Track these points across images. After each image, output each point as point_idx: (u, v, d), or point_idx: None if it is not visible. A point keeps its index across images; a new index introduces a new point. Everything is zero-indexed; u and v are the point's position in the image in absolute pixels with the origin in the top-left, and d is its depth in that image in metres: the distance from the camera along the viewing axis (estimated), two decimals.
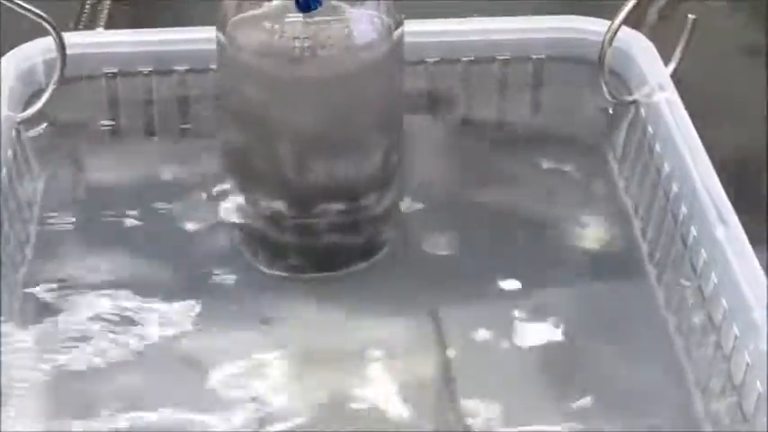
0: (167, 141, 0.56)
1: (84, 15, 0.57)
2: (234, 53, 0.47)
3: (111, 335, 0.48)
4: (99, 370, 0.47)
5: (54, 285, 0.50)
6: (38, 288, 0.50)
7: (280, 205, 0.50)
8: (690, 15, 0.52)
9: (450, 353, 0.48)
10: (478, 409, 0.46)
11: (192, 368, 0.47)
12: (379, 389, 0.46)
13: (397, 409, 0.45)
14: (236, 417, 0.45)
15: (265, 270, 0.51)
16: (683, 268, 0.48)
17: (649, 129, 0.51)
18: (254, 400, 0.46)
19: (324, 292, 0.50)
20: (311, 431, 0.44)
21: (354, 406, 0.45)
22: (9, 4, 0.48)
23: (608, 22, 0.52)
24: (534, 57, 0.55)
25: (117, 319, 0.49)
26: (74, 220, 0.54)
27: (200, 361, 0.47)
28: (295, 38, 0.46)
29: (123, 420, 0.45)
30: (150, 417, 0.45)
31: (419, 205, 0.54)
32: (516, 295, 0.50)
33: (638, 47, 0.53)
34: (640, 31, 0.55)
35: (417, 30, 0.51)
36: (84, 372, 0.47)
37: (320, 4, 0.45)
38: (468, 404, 0.46)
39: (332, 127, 0.48)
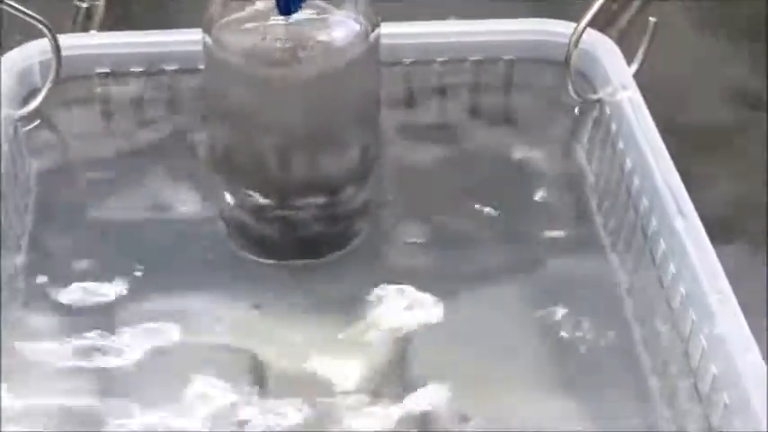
0: (157, 137, 0.55)
1: (79, 17, 0.57)
2: (219, 54, 0.47)
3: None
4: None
5: (49, 272, 0.50)
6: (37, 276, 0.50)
7: (264, 199, 0.50)
8: (651, 18, 0.52)
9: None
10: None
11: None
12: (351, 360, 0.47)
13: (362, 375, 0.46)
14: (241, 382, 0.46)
15: (253, 260, 0.51)
16: (643, 258, 0.49)
17: (613, 126, 0.52)
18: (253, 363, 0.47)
19: (303, 281, 0.50)
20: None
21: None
22: (8, 8, 0.47)
23: (574, 25, 0.52)
24: (505, 57, 0.55)
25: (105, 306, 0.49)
26: (66, 209, 0.54)
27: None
28: (277, 39, 0.47)
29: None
30: None
31: (391, 197, 0.54)
32: (482, 275, 0.51)
33: (602, 48, 0.54)
34: (609, 33, 0.54)
35: (393, 32, 0.51)
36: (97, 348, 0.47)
37: (300, 8, 0.45)
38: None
39: (312, 125, 0.49)
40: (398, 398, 0.45)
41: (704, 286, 0.43)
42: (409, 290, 0.50)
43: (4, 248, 0.50)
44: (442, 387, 0.46)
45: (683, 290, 0.45)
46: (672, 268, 0.46)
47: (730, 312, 0.42)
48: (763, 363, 0.40)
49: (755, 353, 0.40)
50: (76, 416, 0.45)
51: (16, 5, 0.49)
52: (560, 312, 0.48)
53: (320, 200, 0.50)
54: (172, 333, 0.48)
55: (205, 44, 0.48)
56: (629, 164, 0.51)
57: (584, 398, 0.45)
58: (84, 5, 0.57)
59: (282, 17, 0.46)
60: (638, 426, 0.44)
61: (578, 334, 0.47)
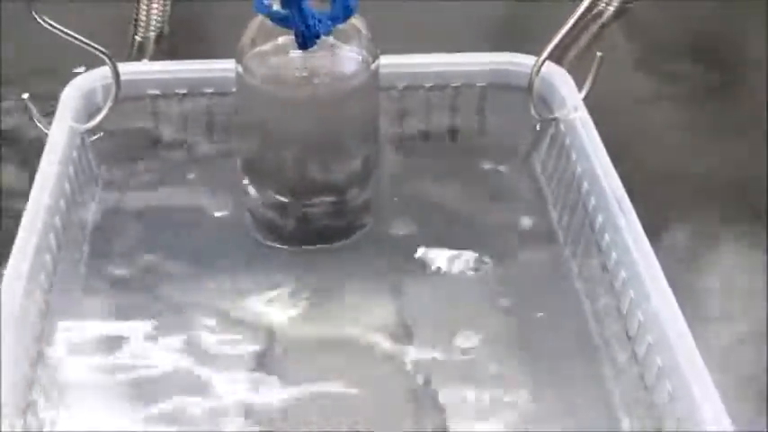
0: (197, 148, 0.56)
1: (134, 50, 0.57)
2: (249, 80, 0.48)
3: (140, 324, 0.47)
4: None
5: (112, 259, 0.51)
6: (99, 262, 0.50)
7: (284, 198, 0.50)
8: (598, 53, 0.52)
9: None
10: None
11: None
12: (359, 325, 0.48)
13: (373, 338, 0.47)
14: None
15: (275, 247, 0.51)
16: (591, 249, 0.49)
17: (567, 140, 0.52)
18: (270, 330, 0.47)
19: (318, 261, 0.51)
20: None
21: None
22: (78, 42, 0.47)
23: (535, 58, 0.52)
24: (479, 84, 0.55)
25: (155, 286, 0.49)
26: (125, 207, 0.54)
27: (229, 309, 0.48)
28: (296, 69, 0.47)
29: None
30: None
31: (387, 195, 0.54)
32: (458, 260, 0.51)
33: (558, 77, 0.53)
34: (563, 65, 0.54)
35: (389, 63, 0.51)
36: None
37: (315, 44, 0.45)
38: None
39: (324, 138, 0.49)
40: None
41: (641, 271, 0.43)
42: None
43: (72, 238, 0.50)
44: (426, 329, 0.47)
45: (623, 273, 0.45)
46: (614, 256, 0.46)
47: (662, 292, 0.42)
48: (688, 333, 0.40)
49: (683, 324, 0.40)
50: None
51: (86, 40, 0.48)
52: (525, 289, 0.49)
53: (330, 198, 0.50)
54: (211, 303, 0.49)
55: (237, 72, 0.48)
56: (579, 170, 0.50)
57: (542, 358, 0.46)
58: (139, 39, 0.56)
59: (300, 51, 0.46)
60: (588, 381, 0.45)
61: (540, 313, 0.48)
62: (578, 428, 0.43)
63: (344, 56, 0.48)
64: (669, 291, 0.42)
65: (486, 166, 0.56)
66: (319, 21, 0.44)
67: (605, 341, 0.47)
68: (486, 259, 0.51)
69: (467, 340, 0.47)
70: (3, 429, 0.37)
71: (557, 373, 0.45)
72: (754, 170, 0.58)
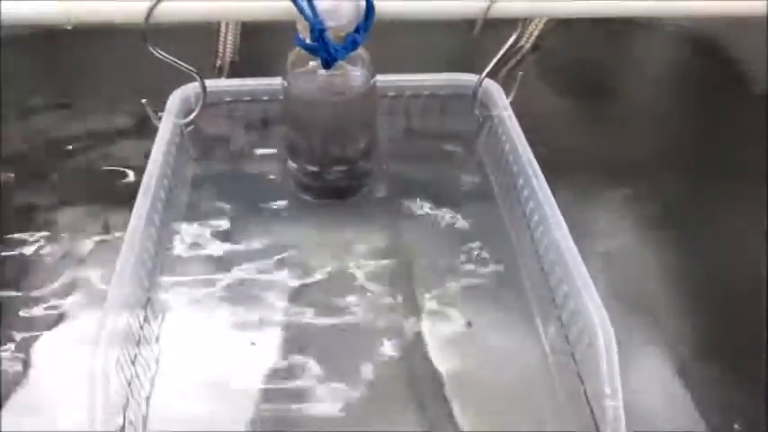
0: (256, 136, 0.55)
1: (215, 71, 0.57)
2: (291, 91, 0.47)
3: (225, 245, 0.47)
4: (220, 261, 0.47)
5: (202, 208, 0.50)
6: (195, 226, 0.49)
7: (312, 167, 0.50)
8: (520, 72, 0.52)
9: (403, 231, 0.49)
10: None
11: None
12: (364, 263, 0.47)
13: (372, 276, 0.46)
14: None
15: (308, 199, 0.51)
16: (514, 201, 0.48)
17: (499, 129, 0.51)
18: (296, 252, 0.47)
19: (331, 213, 0.50)
20: None
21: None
22: (179, 66, 0.46)
23: (478, 76, 0.51)
24: (441, 93, 0.54)
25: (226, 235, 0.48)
26: (209, 173, 0.53)
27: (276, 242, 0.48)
28: (321, 83, 0.46)
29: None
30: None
31: (381, 167, 0.54)
32: (425, 219, 0.50)
33: (493, 88, 0.52)
34: (496, 79, 0.53)
35: (383, 79, 0.50)
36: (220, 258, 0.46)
37: (333, 66, 0.44)
38: None
39: (339, 128, 0.49)
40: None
41: (547, 215, 0.42)
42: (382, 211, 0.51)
43: (174, 213, 0.49)
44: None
45: (536, 217, 0.44)
46: (531, 205, 0.45)
47: (560, 226, 0.41)
48: (577, 253, 0.39)
49: (573, 247, 0.39)
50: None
51: (185, 65, 0.47)
52: (475, 247, 0.48)
53: (343, 168, 0.50)
54: (268, 230, 0.49)
55: (283, 85, 0.47)
56: (507, 148, 0.49)
57: (485, 279, 0.45)
58: (218, 64, 0.56)
59: (324, 71, 0.45)
60: (522, 327, 0.43)
61: (480, 248, 0.47)
62: (507, 322, 0.43)
63: (353, 74, 0.47)
64: (566, 227, 0.42)
65: (447, 147, 0.55)
66: (336, 50, 0.44)
67: (521, 251, 0.46)
68: (445, 207, 0.50)
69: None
70: (106, 323, 0.35)
71: (493, 289, 0.45)
72: (625, 149, 0.57)
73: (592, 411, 0.35)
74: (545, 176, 0.45)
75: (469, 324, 0.43)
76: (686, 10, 0.51)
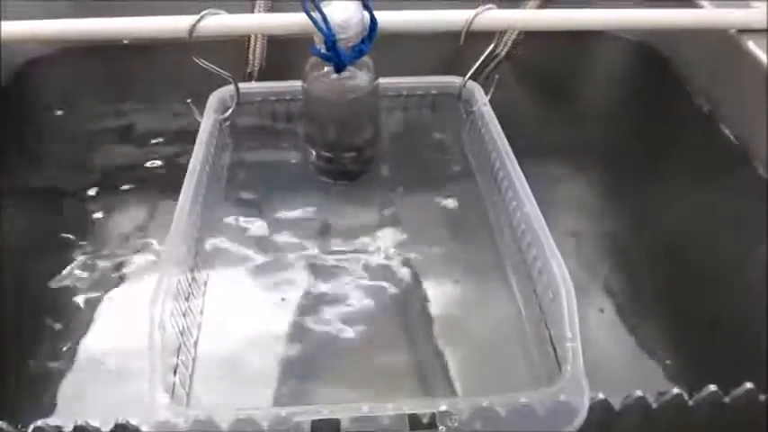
0: (281, 129, 0.53)
1: (246, 75, 0.55)
2: (309, 92, 0.47)
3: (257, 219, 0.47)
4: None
5: (237, 188, 0.50)
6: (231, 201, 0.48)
7: (327, 154, 0.49)
8: (496, 75, 0.51)
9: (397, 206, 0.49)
10: None
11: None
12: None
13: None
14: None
15: (324, 180, 0.50)
16: (492, 182, 0.47)
17: (479, 123, 0.50)
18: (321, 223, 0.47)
19: (344, 193, 0.50)
20: None
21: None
22: (216, 71, 0.46)
23: (463, 78, 0.51)
24: (433, 92, 0.53)
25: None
26: (243, 160, 0.52)
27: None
28: (334, 85, 0.46)
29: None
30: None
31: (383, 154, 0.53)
32: (418, 191, 0.50)
33: (475, 88, 0.51)
34: (478, 81, 0.52)
35: (384, 81, 0.49)
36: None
37: (343, 70, 0.44)
38: None
39: (349, 122, 0.48)
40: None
41: (519, 191, 0.41)
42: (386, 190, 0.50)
43: (215, 191, 0.48)
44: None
45: (510, 193, 0.43)
46: (505, 183, 0.44)
47: (529, 199, 0.40)
48: (543, 221, 0.38)
49: (540, 217, 0.38)
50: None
51: (222, 71, 0.47)
52: (460, 218, 0.47)
53: (352, 154, 0.50)
54: (292, 205, 0.48)
55: (303, 87, 0.47)
56: (486, 138, 0.48)
57: (468, 244, 0.45)
58: (249, 70, 0.55)
59: (336, 74, 0.45)
60: (499, 284, 0.42)
61: (468, 236, 0.47)
62: (486, 280, 0.43)
63: (360, 77, 0.46)
64: (534, 200, 0.41)
65: (437, 136, 0.54)
66: (346, 58, 0.44)
67: (498, 222, 0.46)
68: (435, 186, 0.50)
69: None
70: (162, 280, 0.35)
71: (476, 253, 0.45)
72: (582, 138, 0.56)
73: (555, 352, 0.35)
74: (517, 160, 0.44)
75: (456, 281, 0.43)
76: (637, 23, 0.51)
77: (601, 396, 0.30)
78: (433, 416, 0.29)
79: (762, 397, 0.30)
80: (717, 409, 0.30)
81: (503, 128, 0.47)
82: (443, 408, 0.29)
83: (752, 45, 0.49)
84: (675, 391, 0.30)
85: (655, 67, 0.60)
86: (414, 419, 0.29)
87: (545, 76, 0.62)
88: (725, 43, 0.51)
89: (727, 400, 0.30)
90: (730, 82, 0.52)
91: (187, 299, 0.39)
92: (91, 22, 0.46)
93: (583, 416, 0.29)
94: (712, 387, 0.30)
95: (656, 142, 0.53)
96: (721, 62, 0.52)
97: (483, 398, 0.30)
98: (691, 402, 0.30)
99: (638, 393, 0.30)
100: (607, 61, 0.62)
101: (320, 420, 0.28)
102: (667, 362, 0.40)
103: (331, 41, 0.42)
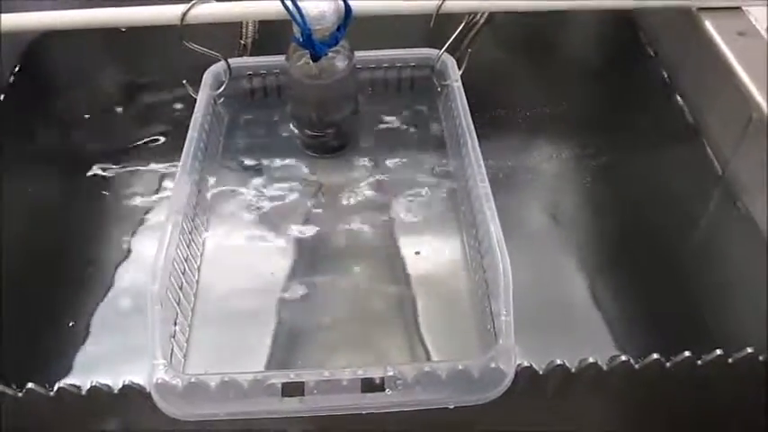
0: (270, 102, 0.54)
1: (239, 50, 0.56)
2: (291, 72, 0.47)
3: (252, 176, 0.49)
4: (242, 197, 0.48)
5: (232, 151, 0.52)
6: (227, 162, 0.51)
7: (309, 131, 0.51)
8: (469, 49, 0.52)
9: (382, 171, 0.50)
10: None
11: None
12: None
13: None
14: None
15: (308, 153, 0.52)
16: (458, 147, 0.47)
17: (451, 96, 0.50)
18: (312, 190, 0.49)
19: (329, 161, 0.51)
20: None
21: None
22: (203, 52, 0.46)
23: (438, 51, 0.51)
24: (411, 65, 0.53)
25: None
26: (236, 129, 0.53)
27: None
28: (312, 68, 0.47)
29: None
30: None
31: (361, 127, 0.54)
32: (397, 160, 0.51)
33: (449, 61, 0.51)
34: (453, 55, 0.52)
35: (365, 54, 0.51)
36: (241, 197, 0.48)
37: (321, 57, 0.45)
38: None
39: (328, 100, 0.49)
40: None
41: (480, 191, 0.41)
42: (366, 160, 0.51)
43: (213, 159, 0.50)
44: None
45: (473, 193, 0.43)
46: (469, 171, 0.44)
47: (492, 212, 0.40)
48: (492, 201, 0.40)
49: (500, 233, 0.38)
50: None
51: (212, 52, 0.48)
52: (431, 184, 0.49)
53: (331, 130, 0.51)
54: (284, 173, 0.50)
55: (287, 67, 0.48)
56: (460, 115, 0.47)
57: (430, 221, 0.47)
58: (242, 43, 0.55)
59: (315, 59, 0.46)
60: (451, 231, 0.45)
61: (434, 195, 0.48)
62: (437, 249, 0.45)
63: (337, 62, 0.47)
64: (486, 180, 0.42)
65: (415, 107, 0.55)
66: (321, 48, 0.45)
67: (461, 200, 0.46)
68: (413, 153, 0.51)
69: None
70: (170, 221, 0.39)
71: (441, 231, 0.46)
72: (552, 104, 0.57)
73: (494, 325, 0.37)
74: (489, 126, 0.47)
75: (417, 253, 0.45)
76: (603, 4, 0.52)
77: (526, 364, 0.33)
78: (382, 380, 0.33)
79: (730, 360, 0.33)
80: (658, 372, 0.33)
81: (478, 93, 0.49)
82: (390, 372, 0.33)
83: (708, 24, 0.50)
84: (591, 360, 0.33)
85: (623, 33, 0.61)
86: (366, 382, 0.33)
87: (520, 46, 0.62)
88: (687, 18, 0.52)
89: (668, 365, 0.33)
90: (688, 56, 0.53)
91: (190, 233, 0.43)
92: (86, 13, 0.46)
93: (510, 379, 0.32)
94: (623, 358, 0.33)
95: (621, 103, 0.55)
96: (682, 38, 0.53)
97: (426, 363, 0.33)
98: (607, 368, 0.33)
99: (558, 361, 0.33)
100: (579, 30, 0.63)
101: (289, 383, 0.32)
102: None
103: (307, 34, 0.43)
